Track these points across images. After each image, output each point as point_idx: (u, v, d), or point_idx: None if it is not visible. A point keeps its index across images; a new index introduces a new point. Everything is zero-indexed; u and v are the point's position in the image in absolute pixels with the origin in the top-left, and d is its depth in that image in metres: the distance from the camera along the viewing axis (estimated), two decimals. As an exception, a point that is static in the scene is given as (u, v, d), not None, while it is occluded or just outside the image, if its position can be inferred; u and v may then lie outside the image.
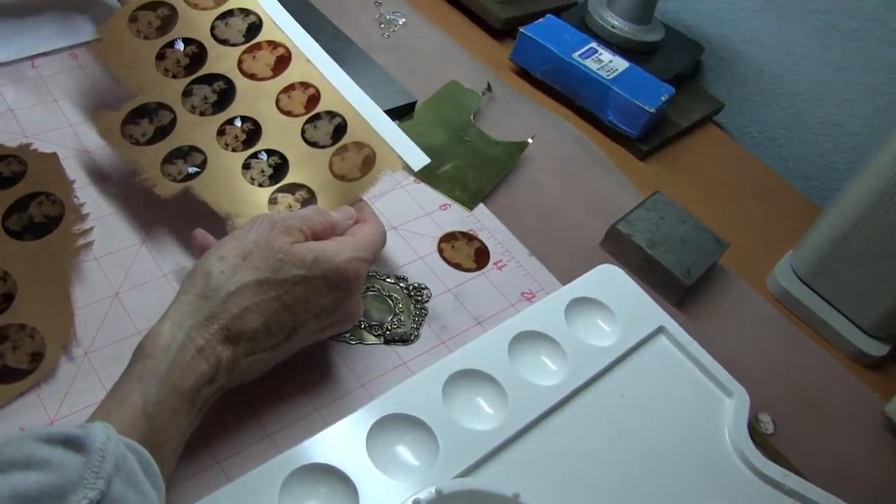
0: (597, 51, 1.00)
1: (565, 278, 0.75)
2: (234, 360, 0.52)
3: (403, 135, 0.70)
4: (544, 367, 0.66)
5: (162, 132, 0.69)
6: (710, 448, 0.66)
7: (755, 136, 1.13)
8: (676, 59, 1.09)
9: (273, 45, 0.73)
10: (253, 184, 0.67)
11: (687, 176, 0.98)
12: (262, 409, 0.59)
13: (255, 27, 0.74)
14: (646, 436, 0.64)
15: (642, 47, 1.07)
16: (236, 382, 0.54)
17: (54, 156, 0.70)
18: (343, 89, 0.72)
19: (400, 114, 0.87)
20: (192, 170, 0.67)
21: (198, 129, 0.69)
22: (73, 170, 0.70)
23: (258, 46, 0.73)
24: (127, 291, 0.63)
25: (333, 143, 0.69)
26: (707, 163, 1.01)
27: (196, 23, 0.73)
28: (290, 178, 0.68)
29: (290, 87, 0.72)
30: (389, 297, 0.68)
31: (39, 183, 0.67)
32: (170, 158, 0.67)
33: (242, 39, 0.73)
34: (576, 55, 0.98)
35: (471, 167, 0.84)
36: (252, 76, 0.72)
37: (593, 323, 0.71)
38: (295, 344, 0.57)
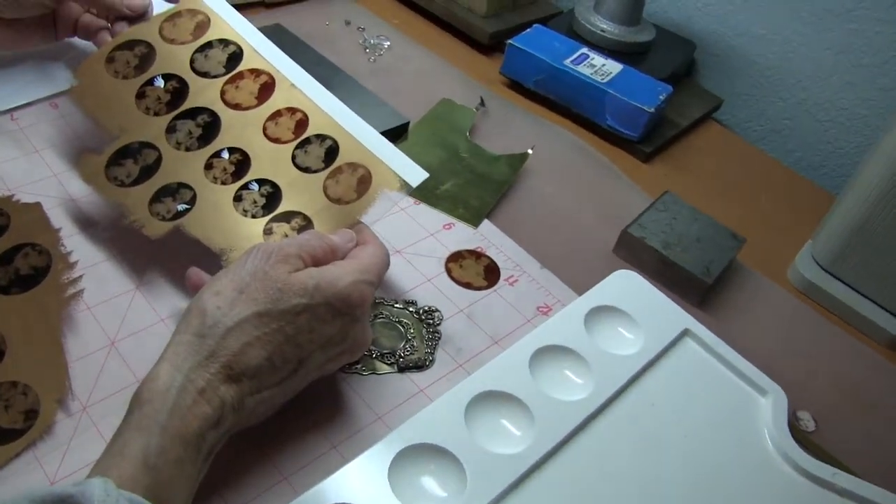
0: (588, 56, 0.98)
1: (581, 288, 0.72)
2: (240, 400, 0.49)
3: (398, 151, 0.67)
4: (569, 381, 0.63)
5: (147, 171, 0.66)
6: (751, 452, 0.62)
7: (758, 130, 1.10)
8: (669, 59, 1.07)
9: (256, 72, 0.71)
10: (246, 216, 0.64)
11: (693, 175, 0.95)
12: (275, 450, 0.55)
13: (235, 56, 0.72)
14: (681, 445, 0.61)
15: (634, 48, 1.05)
16: (244, 424, 0.51)
17: (38, 205, 0.67)
18: (331, 111, 0.69)
19: (393, 136, 0.84)
20: (181, 207, 0.64)
21: (184, 165, 0.67)
22: (59, 218, 0.68)
23: (240, 76, 0.71)
24: (123, 340, 0.60)
25: (326, 167, 0.66)
26: (712, 160, 0.98)
27: (175, 58, 0.71)
28: (284, 207, 0.65)
29: (276, 114, 0.69)
30: (399, 322, 0.65)
31: (24, 234, 0.65)
32: (158, 197, 0.65)
33: (223, 70, 0.71)
34: (567, 62, 0.96)
35: (471, 184, 0.81)
36: (236, 106, 0.70)
37: (615, 332, 0.68)
38: (303, 378, 0.54)
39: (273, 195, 0.65)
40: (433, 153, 0.83)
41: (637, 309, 0.69)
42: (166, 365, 0.47)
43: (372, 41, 1.02)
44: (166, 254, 0.66)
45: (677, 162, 0.96)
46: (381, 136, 0.68)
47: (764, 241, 0.85)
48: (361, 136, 0.68)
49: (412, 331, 0.65)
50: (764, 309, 0.77)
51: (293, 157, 0.67)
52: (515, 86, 1.01)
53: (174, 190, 0.65)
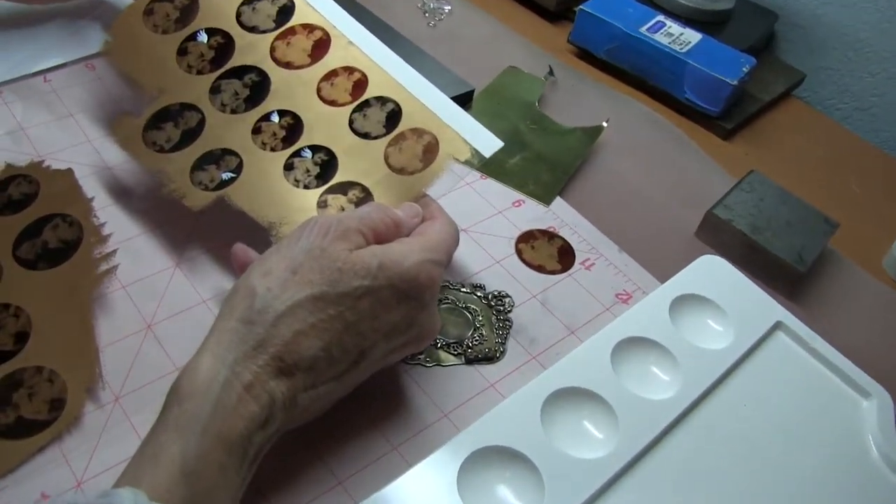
0: (665, 24, 0.91)
1: (662, 274, 0.66)
2: (292, 397, 0.43)
3: (468, 116, 0.60)
4: (655, 378, 0.57)
5: (189, 136, 0.60)
6: (854, 459, 0.56)
7: (842, 108, 1.03)
8: (750, 29, 0.99)
9: (309, 28, 0.65)
10: (298, 186, 0.58)
11: (776, 154, 0.88)
12: (328, 451, 0.50)
13: (286, 10, 0.65)
14: (777, 450, 0.55)
15: (712, 17, 0.98)
16: (296, 423, 0.45)
17: (69, 172, 0.62)
18: (393, 71, 0.63)
19: (457, 104, 0.78)
20: (226, 175, 0.59)
21: (230, 129, 0.61)
22: (92, 187, 0.63)
23: (292, 31, 0.65)
24: (161, 322, 0.55)
25: (388, 133, 0.60)
26: (796, 139, 0.91)
27: (220, 10, 0.65)
28: (340, 177, 0.59)
29: (331, 74, 0.63)
30: (467, 308, 0.60)
31: (53, 204, 0.60)
32: (200, 165, 0.59)
33: (273, 25, 0.65)
34: (643, 30, 0.89)
35: (542, 158, 0.75)
36: (287, 65, 0.64)
37: (703, 323, 0.61)
38: (363, 371, 0.48)
39: (328, 163, 0.59)
40: (500, 124, 0.77)
41: (726, 299, 0.63)
42: (208, 356, 0.41)
43: (432, 5, 0.96)
44: (209, 228, 0.61)
45: (759, 140, 0.89)
46: (448, 99, 0.61)
47: (856, 228, 0.78)
48: (427, 98, 0.61)
49: (481, 318, 0.59)
50: (859, 301, 0.70)
51: (351, 122, 0.61)
52: (585, 55, 0.95)
53: (218, 156, 0.60)
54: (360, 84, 0.62)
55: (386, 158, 0.59)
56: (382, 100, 0.62)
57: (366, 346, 0.46)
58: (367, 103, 0.61)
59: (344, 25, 0.65)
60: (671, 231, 0.72)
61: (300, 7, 0.66)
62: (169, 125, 0.61)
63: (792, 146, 0.90)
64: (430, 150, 0.59)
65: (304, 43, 0.64)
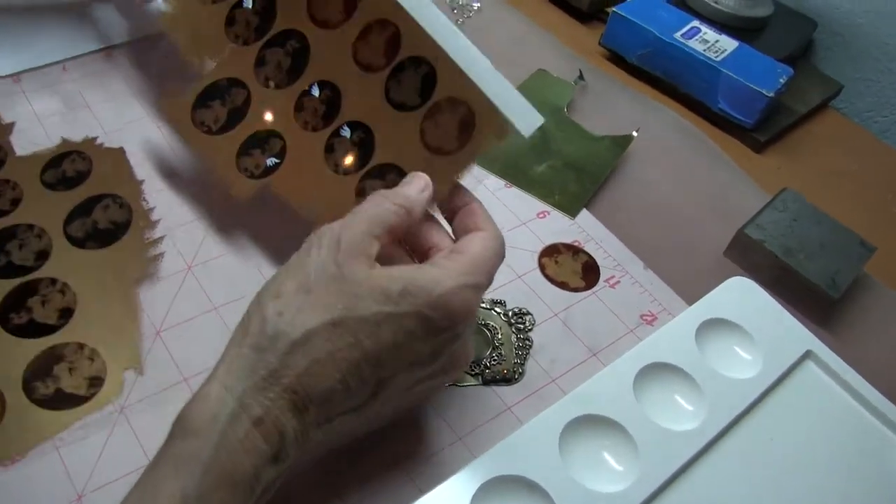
0: (700, 30, 0.88)
1: (689, 294, 0.63)
2: (304, 432, 0.39)
3: (506, 82, 0.51)
4: (678, 407, 0.55)
5: (236, 115, 0.57)
6: (885, 499, 0.54)
7: (880, 121, 0.99)
8: (787, 37, 0.96)
9: None
10: (338, 172, 0.54)
11: (811, 169, 0.85)
12: (337, 474, 0.48)
13: None
14: (804, 488, 0.53)
15: (749, 24, 0.95)
16: (310, 457, 0.43)
17: (120, 151, 0.63)
18: (428, 23, 0.53)
19: (483, 108, 0.76)
20: (270, 161, 0.55)
21: (274, 107, 0.57)
22: (142, 170, 0.63)
23: None
24: (209, 313, 0.54)
25: (423, 102, 0.53)
26: (832, 153, 0.88)
27: None
28: (377, 158, 0.54)
29: (366, 31, 0.56)
30: (486, 326, 0.57)
31: (105, 184, 0.61)
32: (246, 149, 0.56)
33: None
34: (677, 35, 0.86)
35: (569, 167, 0.72)
36: (324, 24, 0.57)
37: (730, 350, 0.59)
38: (384, 404, 0.44)
39: (365, 142, 0.54)
40: (527, 130, 0.75)
41: (755, 324, 0.60)
42: (216, 384, 0.38)
43: (461, 1, 0.94)
44: (258, 216, 0.60)
45: (793, 153, 0.86)
46: (484, 58, 0.52)
47: (894, 250, 0.75)
48: (463, 59, 0.51)
49: (500, 336, 0.57)
50: (895, 330, 0.68)
51: (387, 91, 0.54)
52: (616, 59, 0.92)
53: (263, 139, 0.56)
54: (394, 41, 0.55)
55: (422, 135, 0.53)
56: (417, 61, 0.53)
57: (385, 377, 0.42)
58: (401, 67, 0.54)
59: None
60: (700, 248, 0.70)
61: None
62: (216, 103, 0.58)
63: (827, 160, 0.87)
64: (466, 126, 0.51)
65: None
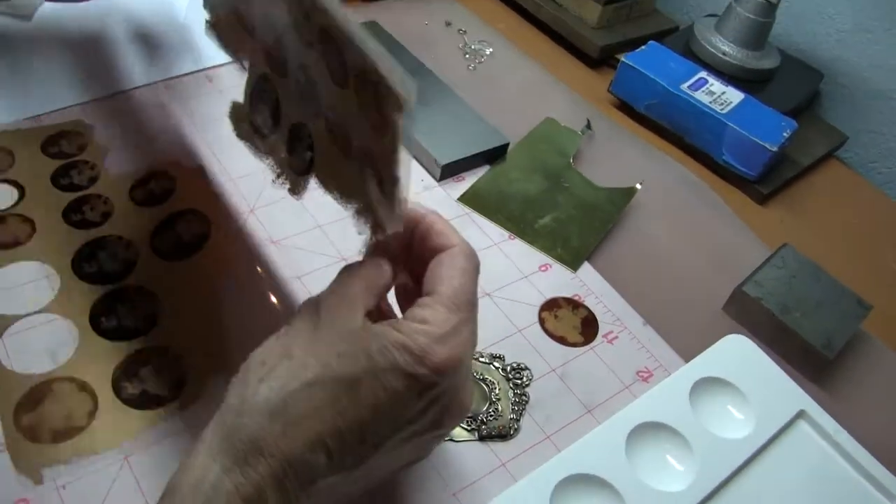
0: (707, 81, 0.90)
1: (686, 349, 0.65)
2: (286, 499, 0.39)
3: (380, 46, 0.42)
4: (669, 468, 0.56)
5: (274, 112, 0.55)
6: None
7: (885, 172, 1.01)
8: (793, 89, 0.98)
9: None
10: (347, 158, 0.49)
11: (812, 221, 0.86)
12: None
13: None
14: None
15: (756, 76, 0.96)
16: None
17: (200, 170, 0.69)
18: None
19: (490, 157, 0.78)
20: (308, 155, 0.53)
21: (288, 95, 0.53)
22: (219, 185, 0.70)
23: None
24: None
25: (346, 79, 0.45)
26: (834, 205, 0.89)
27: None
28: (354, 140, 0.47)
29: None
30: (484, 380, 0.59)
31: (187, 200, 0.67)
32: (292, 145, 0.54)
33: None
34: (684, 87, 0.88)
35: (572, 219, 0.74)
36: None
37: (723, 409, 0.60)
38: (372, 464, 0.42)
39: (342, 126, 0.49)
40: (533, 180, 0.77)
41: (749, 383, 0.62)
42: (203, 451, 0.39)
43: (473, 46, 0.96)
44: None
45: (795, 205, 0.88)
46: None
47: (892, 307, 0.76)
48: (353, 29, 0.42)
49: (498, 391, 0.58)
50: (891, 389, 0.69)
51: (329, 68, 0.47)
52: (624, 106, 0.94)
53: (297, 132, 0.53)
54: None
55: (364, 114, 0.44)
56: (326, 34, 0.45)
57: (369, 436, 0.41)
58: (324, 38, 0.45)
59: None
60: (699, 303, 0.71)
61: None
62: (261, 104, 0.56)
63: (829, 213, 0.88)
64: (379, 102, 0.42)
65: None
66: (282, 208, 0.68)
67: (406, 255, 0.47)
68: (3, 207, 0.64)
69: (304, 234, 0.67)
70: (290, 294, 0.62)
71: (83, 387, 0.53)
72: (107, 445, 0.50)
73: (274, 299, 0.61)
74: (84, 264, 0.61)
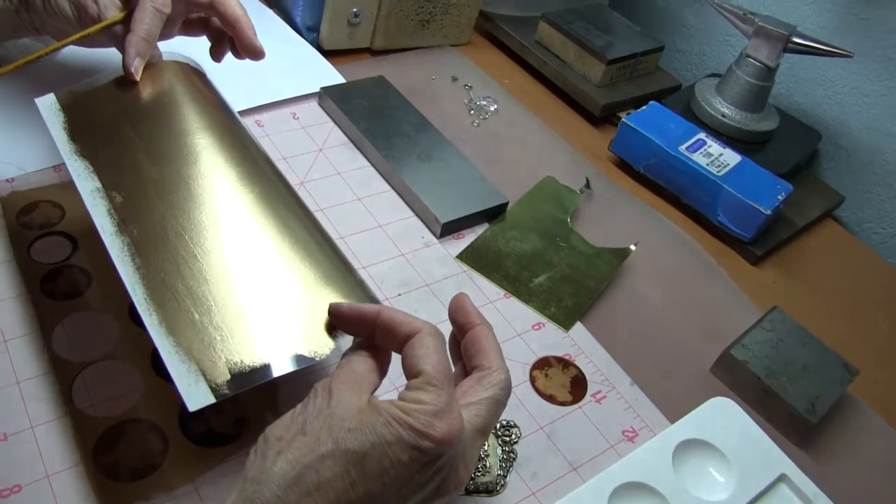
0: (705, 142, 0.92)
1: (672, 410, 0.67)
2: None
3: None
4: (649, 529, 0.58)
5: None
6: None
7: (879, 233, 1.03)
8: (792, 150, 1.00)
9: None
10: None
11: (805, 283, 0.88)
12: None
13: None
14: None
15: (755, 137, 0.99)
16: None
17: None
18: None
19: (490, 216, 0.81)
20: None
21: None
22: None
23: None
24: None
25: None
26: (827, 266, 0.91)
27: None
28: None
29: None
30: (474, 437, 0.61)
31: None
32: None
33: None
34: (682, 148, 0.90)
35: (567, 279, 0.76)
36: None
37: (705, 471, 0.62)
38: None
39: None
40: (531, 239, 0.79)
41: (731, 446, 0.64)
42: None
43: (478, 102, 0.99)
44: None
45: (789, 266, 0.90)
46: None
47: (879, 370, 0.78)
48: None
49: (487, 448, 0.60)
50: (875, 454, 0.70)
51: None
52: (623, 165, 0.96)
53: None
54: None
55: None
56: None
57: None
58: None
59: None
60: (688, 363, 0.73)
61: None
62: None
63: (821, 274, 0.90)
64: None
65: None
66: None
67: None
68: (60, 259, 0.65)
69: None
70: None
71: (153, 427, 0.56)
72: (178, 483, 0.53)
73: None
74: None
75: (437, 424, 0.44)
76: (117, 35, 0.67)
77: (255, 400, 0.59)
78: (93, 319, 0.62)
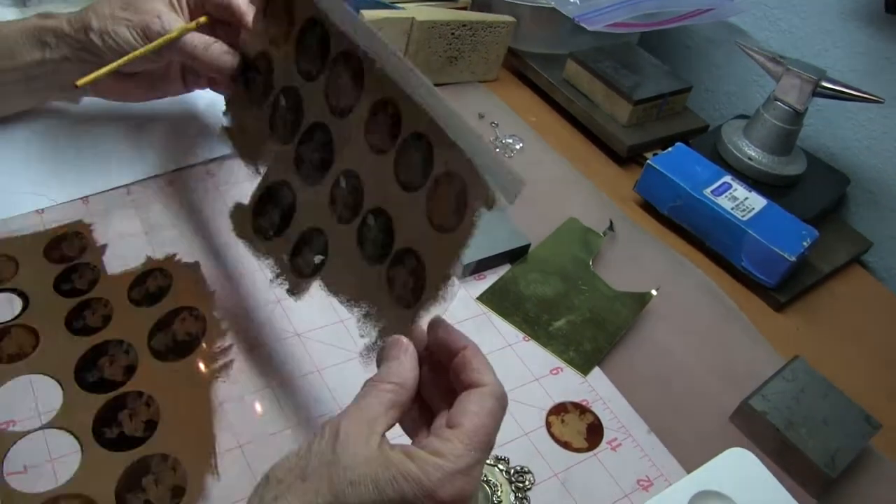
0: (731, 186, 0.92)
1: (689, 459, 0.66)
2: None
3: (491, 150, 0.50)
4: (661, 583, 0.57)
5: (285, 217, 0.62)
6: None
7: (907, 280, 1.02)
8: (819, 194, 1.00)
9: (346, 56, 0.59)
10: (372, 263, 0.55)
11: (829, 331, 0.87)
12: None
13: (325, 39, 0.61)
14: None
15: (782, 181, 0.98)
16: None
17: (196, 266, 0.70)
18: (420, 94, 0.52)
19: (512, 257, 0.81)
20: (317, 259, 0.59)
21: (314, 203, 0.60)
22: (214, 281, 0.70)
23: (335, 61, 0.60)
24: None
25: (425, 180, 0.52)
26: (852, 314, 0.90)
27: (285, 62, 0.64)
28: (397, 243, 0.54)
29: (373, 112, 0.57)
30: (487, 482, 0.61)
31: (183, 297, 0.68)
32: (298, 249, 0.60)
33: (320, 63, 0.61)
34: (707, 191, 0.90)
35: (587, 323, 0.76)
36: (340, 112, 0.59)
37: (720, 525, 0.62)
38: None
39: (387, 228, 0.55)
40: (552, 283, 0.79)
41: (748, 499, 0.63)
42: None
43: (504, 140, 0.99)
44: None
45: (813, 314, 0.89)
46: (471, 127, 0.51)
47: (903, 424, 0.77)
48: (452, 125, 0.50)
49: (500, 493, 0.60)
50: (896, 510, 0.69)
51: (396, 172, 0.55)
52: (648, 206, 0.96)
53: (309, 237, 0.60)
54: (395, 119, 0.55)
55: (429, 215, 0.52)
56: (418, 136, 0.53)
57: None
58: (406, 144, 0.54)
59: (367, 42, 0.58)
60: (706, 412, 0.73)
61: (334, 33, 0.60)
62: (270, 206, 0.63)
63: (847, 322, 0.89)
64: (461, 200, 0.49)
65: (345, 76, 0.59)
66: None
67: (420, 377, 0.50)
68: (7, 318, 0.63)
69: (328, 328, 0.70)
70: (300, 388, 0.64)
71: (89, 502, 0.53)
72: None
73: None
74: (87, 374, 0.61)
75: (448, 487, 0.43)
76: (188, 50, 0.68)
77: (195, 466, 0.57)
78: (38, 383, 0.60)
